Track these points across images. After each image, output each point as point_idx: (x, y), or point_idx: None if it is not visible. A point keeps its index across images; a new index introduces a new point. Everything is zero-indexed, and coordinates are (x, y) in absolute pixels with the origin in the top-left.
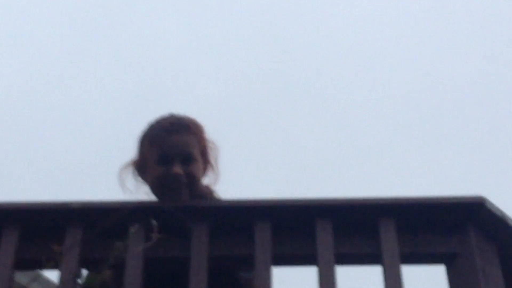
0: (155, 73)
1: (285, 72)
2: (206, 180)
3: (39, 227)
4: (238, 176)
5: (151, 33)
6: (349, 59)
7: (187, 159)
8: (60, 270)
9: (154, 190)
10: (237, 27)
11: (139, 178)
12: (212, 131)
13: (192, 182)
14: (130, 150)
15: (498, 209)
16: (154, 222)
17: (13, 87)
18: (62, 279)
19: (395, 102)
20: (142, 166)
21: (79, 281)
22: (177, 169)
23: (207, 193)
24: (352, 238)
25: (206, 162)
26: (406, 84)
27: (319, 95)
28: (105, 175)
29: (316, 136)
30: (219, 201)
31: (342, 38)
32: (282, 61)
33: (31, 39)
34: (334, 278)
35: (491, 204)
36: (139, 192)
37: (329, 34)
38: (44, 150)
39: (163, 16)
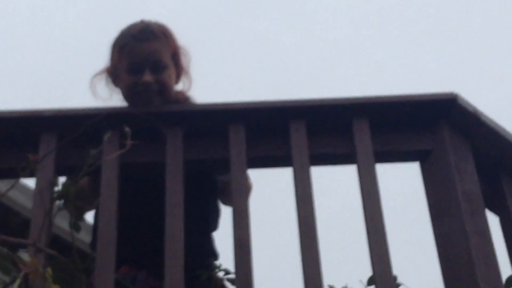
0: None
1: None
2: (180, 86)
3: (13, 136)
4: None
5: None
6: None
7: (157, 67)
8: (36, 178)
9: (126, 98)
10: None
11: (112, 86)
12: (184, 36)
13: (164, 90)
14: (104, 57)
15: (470, 105)
16: (127, 129)
17: None
18: (39, 187)
19: None
20: (114, 74)
21: (56, 188)
22: (147, 77)
23: (182, 99)
24: (326, 139)
25: (178, 68)
26: None
27: None
28: (78, 83)
29: (289, 38)
30: (192, 105)
31: None
32: None
33: None
34: (309, 179)
35: (464, 100)
36: (112, 99)
37: None
38: (18, 60)
39: None
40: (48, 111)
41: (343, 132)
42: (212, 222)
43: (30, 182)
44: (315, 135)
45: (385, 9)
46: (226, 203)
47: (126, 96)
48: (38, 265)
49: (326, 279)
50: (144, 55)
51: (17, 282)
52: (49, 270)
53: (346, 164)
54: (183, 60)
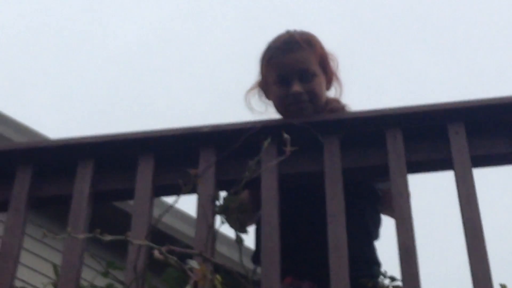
0: None
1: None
2: (331, 93)
3: (174, 153)
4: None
5: None
6: None
7: (305, 76)
8: (198, 193)
9: (278, 110)
10: None
11: (265, 99)
12: (330, 44)
13: (314, 98)
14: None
15: None
16: (286, 136)
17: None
18: (200, 202)
19: None
20: (265, 87)
21: (217, 203)
22: (296, 87)
23: (338, 108)
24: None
25: (327, 74)
26: None
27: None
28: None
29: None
30: (348, 112)
31: None
32: None
33: None
34: (472, 180)
35: None
36: (268, 112)
37: None
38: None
39: None
40: (206, 126)
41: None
42: (373, 231)
43: (185, 208)
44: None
45: None
46: (385, 212)
47: (278, 108)
48: (206, 272)
49: (496, 279)
50: (291, 65)
51: None
52: (218, 277)
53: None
54: (332, 66)
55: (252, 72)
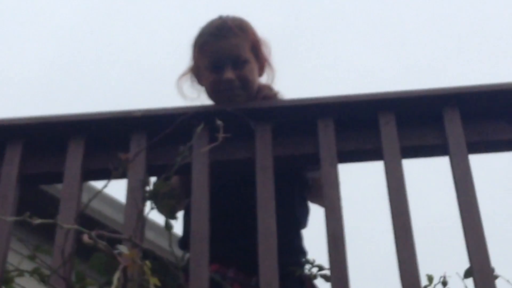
0: None
1: None
2: (264, 79)
3: (104, 137)
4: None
5: None
6: None
7: (238, 62)
8: (128, 178)
9: (210, 96)
10: None
11: (197, 85)
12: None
13: (246, 84)
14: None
15: None
16: (219, 122)
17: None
18: (131, 186)
19: None
20: (197, 73)
21: (147, 188)
22: (228, 74)
23: (270, 95)
24: (416, 130)
25: (260, 60)
26: None
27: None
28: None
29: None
30: (280, 100)
31: None
32: None
33: None
34: (401, 172)
35: None
36: (200, 99)
37: None
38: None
39: None
40: (138, 111)
41: (434, 123)
42: (301, 219)
43: (115, 193)
44: (404, 127)
45: None
46: (314, 200)
47: (210, 94)
48: (136, 258)
49: (423, 270)
50: (223, 52)
51: (116, 274)
52: (147, 262)
53: (438, 156)
54: (264, 52)
55: (186, 58)
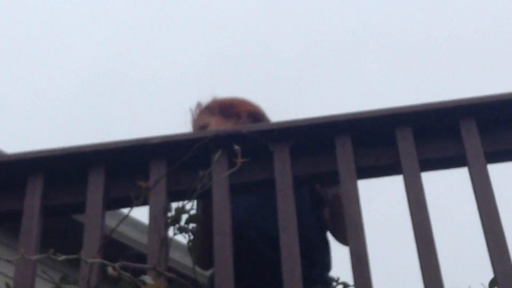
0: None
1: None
2: None
3: (124, 165)
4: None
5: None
6: None
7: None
8: (150, 205)
9: None
10: None
11: None
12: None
13: None
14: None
15: None
16: (237, 147)
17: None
18: (152, 213)
19: None
20: None
21: (169, 214)
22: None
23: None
24: (434, 143)
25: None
26: None
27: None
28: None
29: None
30: (297, 120)
31: None
32: None
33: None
34: (421, 185)
35: None
36: None
37: None
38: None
39: None
40: (156, 138)
41: (451, 135)
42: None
43: (138, 215)
44: (422, 140)
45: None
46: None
47: None
48: (160, 287)
49: (447, 283)
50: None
51: None
52: None
53: (456, 167)
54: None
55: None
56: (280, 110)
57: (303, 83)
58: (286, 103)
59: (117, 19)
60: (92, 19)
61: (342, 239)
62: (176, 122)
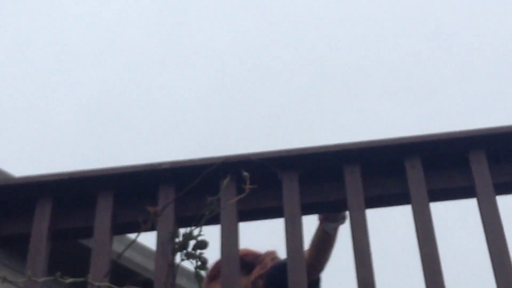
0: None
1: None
2: None
3: (133, 190)
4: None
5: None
6: None
7: None
8: (158, 230)
9: None
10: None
11: None
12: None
13: None
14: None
15: None
16: (245, 173)
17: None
18: (160, 239)
19: None
20: None
21: (177, 240)
22: None
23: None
24: (443, 173)
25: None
26: None
27: None
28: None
29: None
30: (306, 148)
31: None
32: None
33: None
34: (429, 215)
35: None
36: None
37: None
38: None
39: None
40: (165, 163)
41: (460, 166)
42: None
43: (145, 241)
44: (431, 170)
45: None
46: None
47: None
48: None
49: None
50: None
51: None
52: None
53: (465, 198)
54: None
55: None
56: (285, 141)
57: (308, 116)
58: (291, 135)
59: (122, 47)
60: (97, 49)
61: (318, 272)
62: (181, 150)
